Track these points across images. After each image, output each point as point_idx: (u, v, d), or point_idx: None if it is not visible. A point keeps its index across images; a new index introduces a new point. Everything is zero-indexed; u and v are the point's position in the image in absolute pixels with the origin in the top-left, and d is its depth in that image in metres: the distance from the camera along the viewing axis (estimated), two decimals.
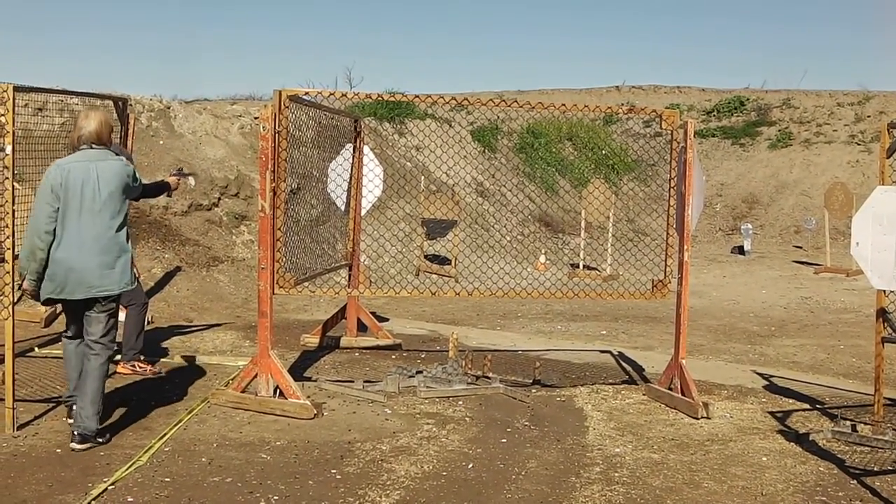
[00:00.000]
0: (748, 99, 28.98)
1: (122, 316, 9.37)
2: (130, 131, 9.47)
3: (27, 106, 12.78)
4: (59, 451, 6.71)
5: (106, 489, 6.00)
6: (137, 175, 7.26)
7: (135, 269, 9.28)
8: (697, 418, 8.08)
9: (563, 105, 8.91)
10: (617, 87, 31.35)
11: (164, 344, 10.58)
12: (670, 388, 8.67)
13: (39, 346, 10.16)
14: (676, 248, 8.71)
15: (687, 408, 8.27)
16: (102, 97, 9.89)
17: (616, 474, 6.66)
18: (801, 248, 22.28)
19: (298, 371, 9.43)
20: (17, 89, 7.11)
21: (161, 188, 8.07)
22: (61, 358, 9.51)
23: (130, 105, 9.97)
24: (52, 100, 13.35)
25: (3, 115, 7.02)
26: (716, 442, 7.50)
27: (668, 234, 8.86)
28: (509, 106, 9.12)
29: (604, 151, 25.58)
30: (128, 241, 7.09)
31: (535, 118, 23.99)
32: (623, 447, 7.31)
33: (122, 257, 7.00)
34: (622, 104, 27.79)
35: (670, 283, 8.79)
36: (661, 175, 23.48)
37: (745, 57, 69.17)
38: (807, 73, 69.85)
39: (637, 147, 24.85)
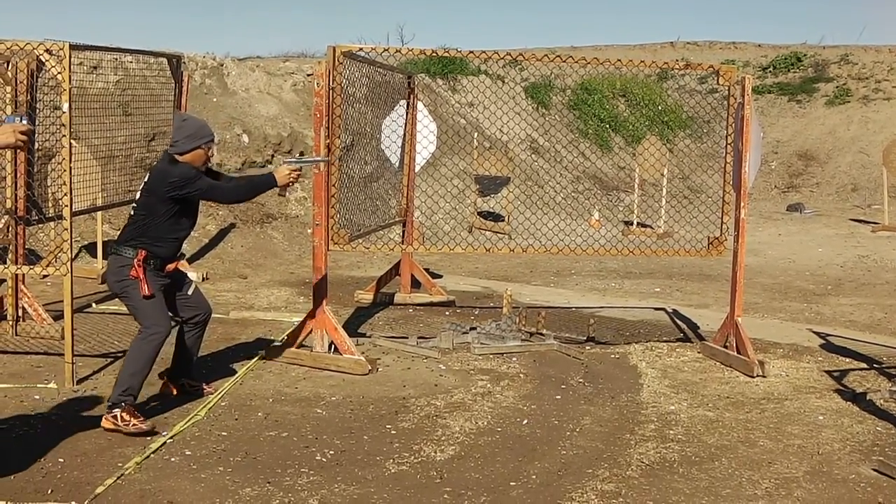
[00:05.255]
0: (805, 55, 28.46)
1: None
2: (185, 89, 9.50)
3: (82, 64, 12.90)
4: None
5: (165, 443, 6.08)
6: None
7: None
8: (753, 377, 8.02)
9: (619, 61, 8.81)
10: (671, 42, 30.94)
11: (219, 300, 10.66)
12: (725, 346, 8.62)
13: (97, 302, 10.30)
14: (733, 205, 8.62)
15: (742, 366, 8.21)
16: (156, 55, 9.90)
17: (671, 432, 6.64)
18: (858, 207, 22.02)
19: (353, 327, 9.48)
20: (72, 48, 7.16)
21: (263, 185, 6.95)
22: (118, 314, 9.70)
23: (184, 63, 9.99)
24: (106, 58, 13.47)
25: (59, 73, 7.09)
26: (771, 400, 7.45)
27: (724, 190, 8.77)
28: (563, 62, 9.04)
29: (659, 108, 25.33)
30: None
31: (588, 74, 23.76)
32: (678, 405, 7.29)
33: None
34: (677, 60, 27.47)
35: (726, 240, 8.71)
36: (716, 132, 23.22)
37: (803, 12, 68.06)
38: (865, 28, 68.57)
39: (692, 103, 24.56)
